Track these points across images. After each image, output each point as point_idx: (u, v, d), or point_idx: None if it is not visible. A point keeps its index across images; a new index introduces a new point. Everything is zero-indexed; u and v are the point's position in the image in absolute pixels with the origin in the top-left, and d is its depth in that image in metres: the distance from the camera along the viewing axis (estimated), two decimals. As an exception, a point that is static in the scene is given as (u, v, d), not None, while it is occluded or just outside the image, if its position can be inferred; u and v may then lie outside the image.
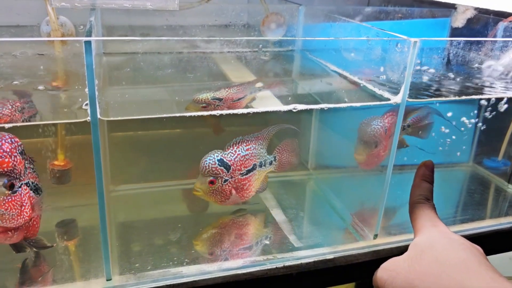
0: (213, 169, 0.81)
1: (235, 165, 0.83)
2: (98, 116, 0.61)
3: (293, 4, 1.11)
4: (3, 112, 0.71)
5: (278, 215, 0.95)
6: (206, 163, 0.81)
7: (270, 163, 0.90)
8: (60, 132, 0.86)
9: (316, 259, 0.80)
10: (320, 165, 1.12)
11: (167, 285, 0.72)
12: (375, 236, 0.87)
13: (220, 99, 0.84)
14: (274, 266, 0.78)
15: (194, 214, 0.99)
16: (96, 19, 0.96)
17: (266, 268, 0.78)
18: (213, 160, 0.81)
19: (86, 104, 0.62)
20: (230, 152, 0.83)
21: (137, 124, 0.93)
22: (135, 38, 0.75)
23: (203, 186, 0.82)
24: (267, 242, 0.86)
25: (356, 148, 0.90)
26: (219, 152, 0.82)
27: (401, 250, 0.85)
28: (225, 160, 0.82)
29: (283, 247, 0.85)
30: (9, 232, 0.65)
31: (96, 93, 0.59)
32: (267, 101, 0.91)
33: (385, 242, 0.86)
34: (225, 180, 0.82)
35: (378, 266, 0.69)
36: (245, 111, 0.75)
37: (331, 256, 0.81)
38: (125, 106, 0.80)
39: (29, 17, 0.92)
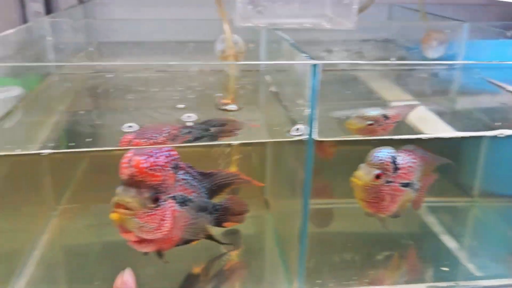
0: (386, 163, 0.73)
1: (402, 171, 0.76)
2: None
3: (456, 21, 1.07)
4: (157, 140, 0.69)
5: (449, 242, 0.88)
6: (384, 155, 0.74)
7: (416, 191, 0.80)
8: (235, 146, 0.88)
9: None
10: (487, 192, 1.03)
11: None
12: None
13: (387, 117, 0.81)
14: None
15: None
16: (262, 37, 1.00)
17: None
18: (390, 155, 0.74)
19: (297, 129, 0.62)
20: (400, 155, 0.76)
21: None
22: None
23: (366, 177, 0.73)
24: (445, 269, 0.80)
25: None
26: (392, 150, 0.75)
27: None
28: (397, 160, 0.75)
29: (462, 274, 0.78)
30: (144, 243, 0.62)
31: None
32: (431, 123, 0.87)
33: None
34: (388, 182, 0.74)
35: None
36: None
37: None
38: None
39: (204, 35, 0.98)
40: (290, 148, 0.74)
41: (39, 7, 1.29)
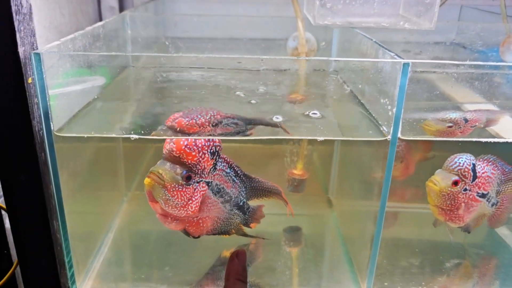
0: (465, 170, 0.73)
1: (480, 180, 0.74)
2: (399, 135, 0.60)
3: (539, 24, 1.02)
4: (197, 121, 0.66)
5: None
6: (463, 161, 0.73)
7: (492, 205, 0.78)
8: (304, 145, 0.89)
9: None
10: None
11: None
12: None
13: (467, 120, 0.79)
14: None
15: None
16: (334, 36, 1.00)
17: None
18: (470, 161, 0.73)
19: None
20: (480, 164, 0.75)
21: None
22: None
23: (443, 182, 0.72)
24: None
25: None
26: (473, 157, 0.74)
27: None
28: (476, 169, 0.74)
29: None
30: (169, 218, 0.65)
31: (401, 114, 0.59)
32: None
33: None
34: (465, 189, 0.73)
35: None
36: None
37: None
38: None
39: (279, 32, 0.99)
40: (367, 147, 0.73)
41: (113, 2, 1.35)
